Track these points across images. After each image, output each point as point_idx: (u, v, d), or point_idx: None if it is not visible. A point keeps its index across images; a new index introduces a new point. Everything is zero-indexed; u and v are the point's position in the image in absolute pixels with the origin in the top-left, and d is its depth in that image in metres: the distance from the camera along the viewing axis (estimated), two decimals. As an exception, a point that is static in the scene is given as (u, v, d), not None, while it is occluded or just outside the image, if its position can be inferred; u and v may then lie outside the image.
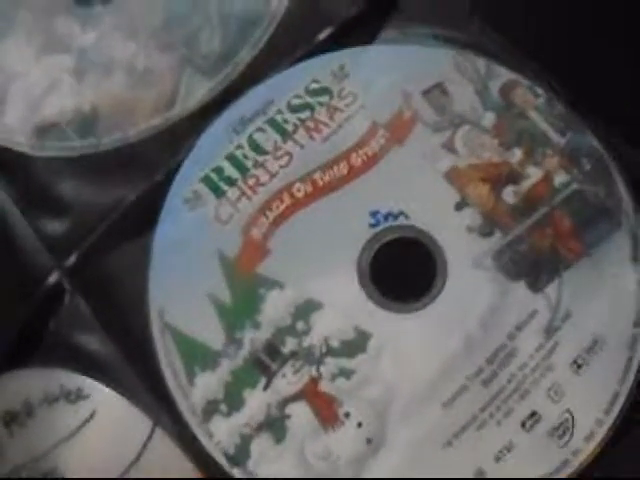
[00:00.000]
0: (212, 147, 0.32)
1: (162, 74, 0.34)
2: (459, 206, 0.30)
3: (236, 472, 0.29)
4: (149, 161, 0.33)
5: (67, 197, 0.33)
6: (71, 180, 0.33)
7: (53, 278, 0.32)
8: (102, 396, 0.31)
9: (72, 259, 0.32)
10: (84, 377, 0.32)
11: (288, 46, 0.33)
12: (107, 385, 0.31)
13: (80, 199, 0.33)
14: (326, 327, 0.30)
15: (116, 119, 0.33)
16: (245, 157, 0.32)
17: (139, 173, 0.33)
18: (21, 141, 0.34)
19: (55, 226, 0.33)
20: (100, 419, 0.31)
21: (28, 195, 0.34)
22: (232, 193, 0.31)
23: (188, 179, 0.32)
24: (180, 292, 0.30)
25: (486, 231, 0.30)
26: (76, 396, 0.32)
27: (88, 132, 0.33)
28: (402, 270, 0.30)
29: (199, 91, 0.33)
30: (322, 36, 0.33)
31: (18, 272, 0.33)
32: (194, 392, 0.30)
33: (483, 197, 0.30)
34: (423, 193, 0.30)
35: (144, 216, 0.32)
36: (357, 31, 0.33)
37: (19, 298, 0.33)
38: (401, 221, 0.30)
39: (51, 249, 0.33)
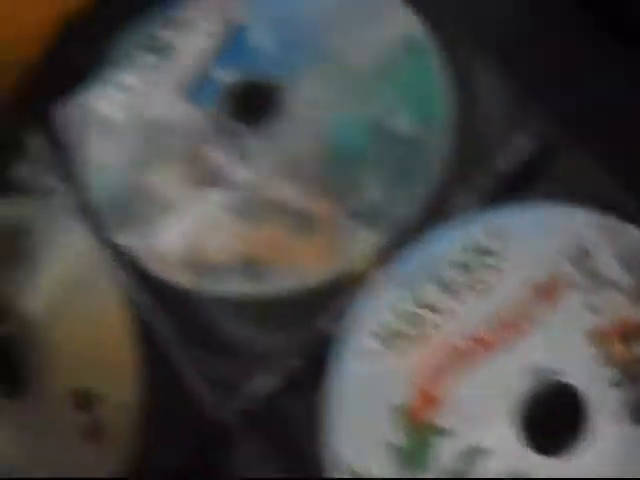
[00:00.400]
0: (378, 300, 0.35)
1: (322, 221, 0.36)
2: (602, 363, 0.34)
3: None
4: (313, 310, 0.35)
5: (231, 337, 0.35)
6: (235, 320, 0.35)
7: (219, 417, 0.35)
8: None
9: (240, 400, 0.35)
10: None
11: (446, 200, 0.36)
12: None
13: (245, 341, 0.35)
14: (489, 470, 0.33)
15: (279, 264, 0.35)
16: (411, 311, 0.35)
17: (303, 321, 0.35)
18: (181, 278, 0.36)
19: (219, 366, 0.35)
20: None
21: (190, 332, 0.35)
22: (401, 345, 0.35)
23: (356, 331, 0.35)
24: (356, 437, 0.34)
25: (623, 384, 0.34)
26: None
27: (251, 276, 0.35)
28: (554, 420, 0.34)
29: (361, 243, 0.35)
30: (479, 192, 0.36)
31: (184, 409, 0.35)
32: (370, 531, 0.33)
33: (620, 353, 0.35)
34: (572, 352, 0.34)
35: (311, 362, 0.35)
36: (514, 188, 0.36)
37: (187, 435, 0.35)
38: (553, 377, 0.34)
39: (217, 388, 0.35)
